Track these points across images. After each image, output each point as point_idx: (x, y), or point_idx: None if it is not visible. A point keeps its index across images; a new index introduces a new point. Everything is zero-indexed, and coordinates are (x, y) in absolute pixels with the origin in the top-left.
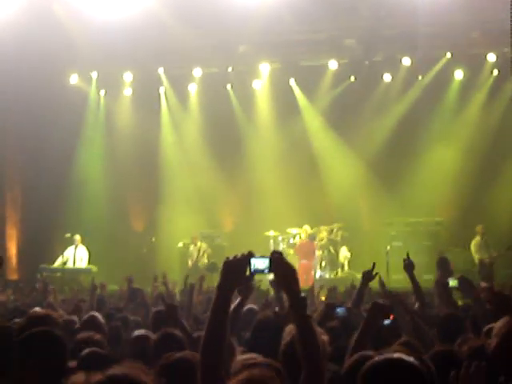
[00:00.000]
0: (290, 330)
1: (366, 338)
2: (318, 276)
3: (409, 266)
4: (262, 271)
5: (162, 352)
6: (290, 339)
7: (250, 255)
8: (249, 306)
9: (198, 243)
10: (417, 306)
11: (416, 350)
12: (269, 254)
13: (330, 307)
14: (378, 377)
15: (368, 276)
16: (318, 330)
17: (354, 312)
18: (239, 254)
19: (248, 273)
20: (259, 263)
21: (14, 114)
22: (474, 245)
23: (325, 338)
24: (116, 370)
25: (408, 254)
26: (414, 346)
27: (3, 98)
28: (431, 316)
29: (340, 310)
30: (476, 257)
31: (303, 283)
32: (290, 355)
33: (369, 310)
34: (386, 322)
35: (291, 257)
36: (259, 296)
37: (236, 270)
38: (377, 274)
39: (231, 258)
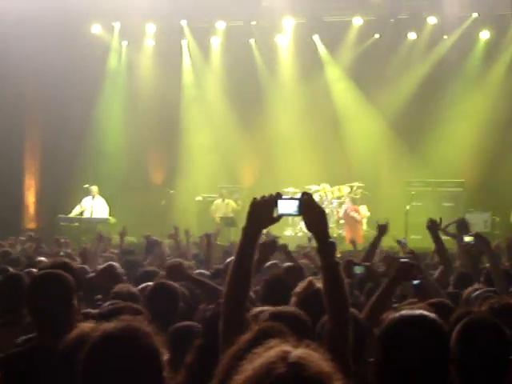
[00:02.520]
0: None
1: (388, 296)
2: (336, 234)
3: (432, 227)
4: (290, 213)
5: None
6: (305, 286)
7: (278, 196)
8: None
9: (226, 199)
10: (440, 268)
11: (446, 309)
12: (301, 195)
13: (348, 264)
14: (398, 332)
15: (382, 229)
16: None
17: (371, 270)
18: (267, 195)
19: (275, 214)
20: (287, 205)
21: (35, 62)
22: None
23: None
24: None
25: (430, 217)
26: (446, 305)
27: (26, 47)
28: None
29: (358, 268)
30: None
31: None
32: (304, 303)
33: (397, 269)
34: (415, 282)
35: None
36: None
37: (263, 211)
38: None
39: (258, 198)
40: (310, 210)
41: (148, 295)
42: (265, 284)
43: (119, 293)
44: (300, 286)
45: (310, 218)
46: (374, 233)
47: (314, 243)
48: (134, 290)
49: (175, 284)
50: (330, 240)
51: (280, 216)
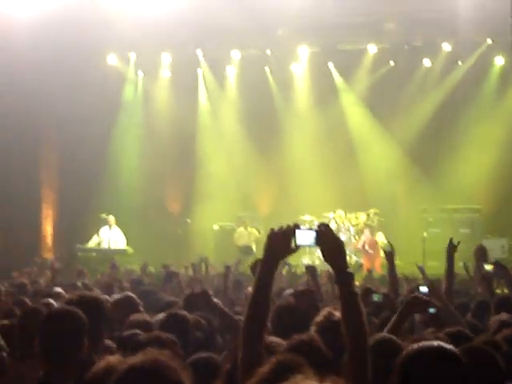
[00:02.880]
0: (325, 311)
1: (398, 329)
2: (353, 261)
3: (450, 248)
4: (307, 244)
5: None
6: (325, 316)
7: (296, 227)
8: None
9: (249, 228)
10: (444, 286)
11: (464, 339)
12: (317, 225)
13: (366, 292)
14: (417, 364)
15: (390, 256)
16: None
17: (390, 298)
18: (285, 226)
19: (293, 245)
20: (305, 236)
21: (52, 94)
22: None
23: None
24: (146, 357)
25: (451, 239)
26: (464, 335)
27: (42, 78)
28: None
29: (376, 296)
30: None
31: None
32: (324, 332)
33: (406, 303)
34: (431, 310)
35: None
36: (293, 280)
37: (280, 242)
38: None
39: (276, 229)
40: (328, 241)
41: (160, 325)
42: (274, 313)
43: (134, 322)
44: (320, 315)
45: (328, 249)
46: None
47: None
48: (149, 319)
49: (188, 314)
50: (348, 270)
51: (298, 247)
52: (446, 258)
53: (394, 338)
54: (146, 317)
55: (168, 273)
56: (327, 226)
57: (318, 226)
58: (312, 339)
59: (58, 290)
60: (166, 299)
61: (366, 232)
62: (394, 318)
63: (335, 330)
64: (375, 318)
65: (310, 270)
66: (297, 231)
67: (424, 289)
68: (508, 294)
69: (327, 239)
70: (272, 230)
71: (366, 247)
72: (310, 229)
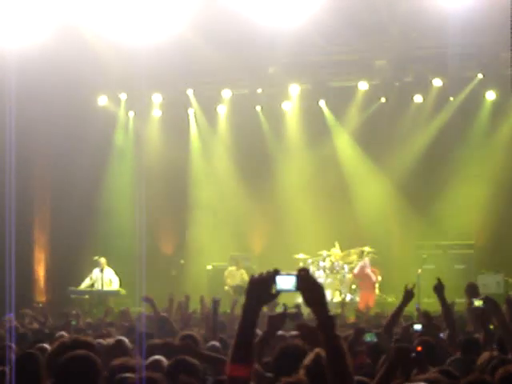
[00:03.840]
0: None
1: (390, 376)
2: (348, 299)
3: (438, 288)
4: (288, 289)
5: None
6: (313, 359)
7: (276, 272)
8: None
9: (241, 269)
10: (447, 332)
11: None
12: (298, 271)
13: (359, 332)
14: None
15: (409, 295)
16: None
17: (384, 337)
18: (265, 272)
19: (274, 290)
20: (285, 281)
21: (43, 135)
22: None
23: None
24: None
25: (439, 278)
26: (450, 374)
27: (33, 119)
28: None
29: (369, 335)
30: None
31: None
32: (312, 376)
33: (392, 356)
34: (413, 354)
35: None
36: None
37: (261, 288)
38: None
39: (256, 275)
40: (308, 286)
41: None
42: (276, 355)
43: (119, 366)
44: (309, 358)
45: (308, 294)
46: (385, 297)
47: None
48: (133, 362)
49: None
50: (329, 314)
51: (278, 292)
52: (438, 300)
53: None
54: (131, 360)
55: (160, 319)
56: (307, 270)
57: (298, 271)
58: (300, 382)
59: (62, 333)
60: (156, 343)
61: (367, 260)
62: (382, 369)
63: (323, 373)
64: (372, 360)
65: (295, 317)
66: (277, 277)
67: (418, 327)
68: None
69: (307, 284)
70: (252, 276)
71: (367, 270)
72: (290, 274)
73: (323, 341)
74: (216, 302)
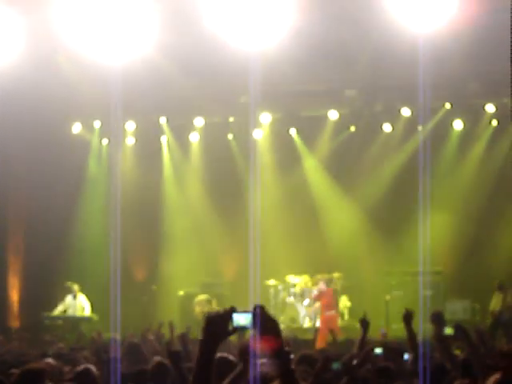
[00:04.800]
0: None
1: None
2: (317, 324)
3: (407, 317)
4: (244, 326)
5: None
6: None
7: (232, 310)
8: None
9: (212, 299)
10: (411, 357)
11: None
12: (253, 308)
13: (326, 360)
14: None
15: (366, 324)
16: None
17: (349, 365)
18: (221, 310)
19: (230, 327)
20: (241, 318)
21: (16, 162)
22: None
23: None
24: None
25: (407, 308)
26: None
27: (5, 146)
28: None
29: (335, 364)
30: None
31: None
32: None
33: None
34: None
35: (290, 306)
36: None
37: (218, 326)
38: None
39: (213, 313)
40: (263, 323)
41: None
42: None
43: None
44: None
45: (263, 330)
46: (355, 324)
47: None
48: None
49: None
50: (285, 349)
51: (235, 329)
52: (405, 329)
53: None
54: None
55: (130, 346)
56: (262, 307)
57: (254, 309)
58: None
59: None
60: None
61: (322, 284)
62: None
63: None
64: None
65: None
66: (234, 314)
67: (379, 350)
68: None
69: (262, 320)
70: (209, 313)
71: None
72: (245, 311)
73: (279, 375)
74: (184, 336)
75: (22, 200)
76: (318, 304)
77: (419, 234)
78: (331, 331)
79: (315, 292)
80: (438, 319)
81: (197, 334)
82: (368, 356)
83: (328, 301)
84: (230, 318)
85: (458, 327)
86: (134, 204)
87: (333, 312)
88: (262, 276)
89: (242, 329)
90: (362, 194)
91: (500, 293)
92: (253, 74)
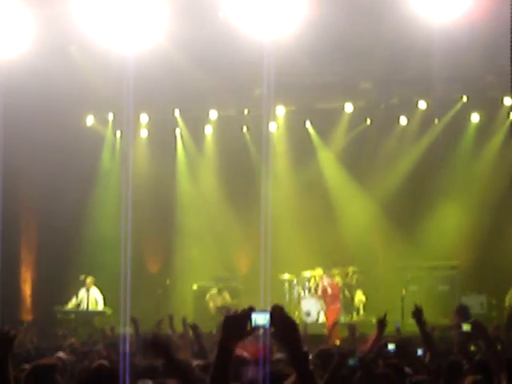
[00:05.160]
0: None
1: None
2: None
3: (416, 314)
4: (262, 326)
5: None
6: None
7: (251, 310)
8: None
9: (224, 293)
10: (428, 355)
11: None
12: (271, 307)
13: (342, 357)
14: None
15: (382, 325)
16: None
17: (367, 361)
18: (240, 310)
19: (249, 327)
20: (260, 318)
21: (30, 153)
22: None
23: None
24: None
25: (416, 304)
26: None
27: (19, 138)
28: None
29: (352, 360)
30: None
31: (336, 332)
32: None
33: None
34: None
35: (305, 301)
36: None
37: (237, 325)
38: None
39: (232, 313)
40: (281, 322)
41: None
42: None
43: None
44: None
45: (281, 330)
46: (370, 319)
47: None
48: None
49: None
50: (303, 350)
51: (254, 329)
52: (417, 325)
53: None
54: None
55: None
56: (280, 307)
57: (272, 308)
58: None
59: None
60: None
61: (324, 277)
62: None
63: None
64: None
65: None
66: (252, 314)
67: (392, 346)
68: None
69: (280, 320)
70: (228, 313)
71: (329, 290)
72: (264, 311)
73: (297, 376)
74: (195, 328)
75: (35, 193)
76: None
77: (435, 229)
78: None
79: (319, 290)
80: (463, 313)
81: (210, 328)
82: (381, 352)
83: (332, 294)
84: (249, 318)
85: (476, 324)
86: (148, 197)
87: (336, 305)
88: (276, 270)
89: (261, 328)
90: (378, 187)
91: None
92: (267, 65)
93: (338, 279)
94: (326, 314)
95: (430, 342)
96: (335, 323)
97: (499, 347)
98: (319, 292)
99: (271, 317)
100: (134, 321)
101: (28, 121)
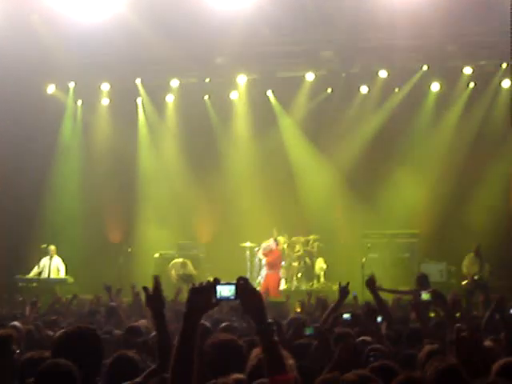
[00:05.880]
0: (256, 352)
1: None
2: (293, 287)
3: (370, 283)
4: (227, 298)
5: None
6: (256, 363)
7: (216, 282)
8: None
9: (187, 261)
10: (384, 324)
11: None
12: (235, 279)
13: (299, 326)
14: None
15: (344, 292)
16: (286, 354)
17: (323, 330)
18: (204, 282)
19: (214, 299)
20: (225, 290)
21: None
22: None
23: (291, 361)
24: None
25: (370, 274)
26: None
27: None
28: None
29: (308, 329)
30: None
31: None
32: (256, 378)
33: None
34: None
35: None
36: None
37: (202, 297)
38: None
39: (197, 284)
40: (246, 294)
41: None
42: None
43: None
44: (252, 358)
45: (246, 302)
46: (331, 285)
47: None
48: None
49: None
50: (269, 321)
51: (219, 300)
52: (371, 295)
53: None
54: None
55: (108, 309)
56: (246, 279)
57: (237, 280)
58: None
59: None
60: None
61: (272, 242)
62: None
63: None
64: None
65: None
66: (217, 286)
67: (347, 316)
68: (441, 320)
69: (245, 292)
70: (193, 285)
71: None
72: (229, 283)
73: (263, 348)
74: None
75: None
76: (294, 267)
77: (396, 197)
78: (265, 291)
79: (264, 246)
80: (423, 281)
81: (171, 296)
82: (336, 321)
83: (273, 259)
84: (214, 290)
85: (436, 293)
86: (110, 165)
87: (275, 272)
88: (238, 238)
89: (226, 300)
90: (339, 155)
91: (476, 258)
92: (229, 34)
93: (299, 246)
94: (263, 278)
95: (384, 310)
96: (266, 291)
97: (458, 315)
98: (262, 251)
99: (236, 289)
100: (107, 288)
101: None
